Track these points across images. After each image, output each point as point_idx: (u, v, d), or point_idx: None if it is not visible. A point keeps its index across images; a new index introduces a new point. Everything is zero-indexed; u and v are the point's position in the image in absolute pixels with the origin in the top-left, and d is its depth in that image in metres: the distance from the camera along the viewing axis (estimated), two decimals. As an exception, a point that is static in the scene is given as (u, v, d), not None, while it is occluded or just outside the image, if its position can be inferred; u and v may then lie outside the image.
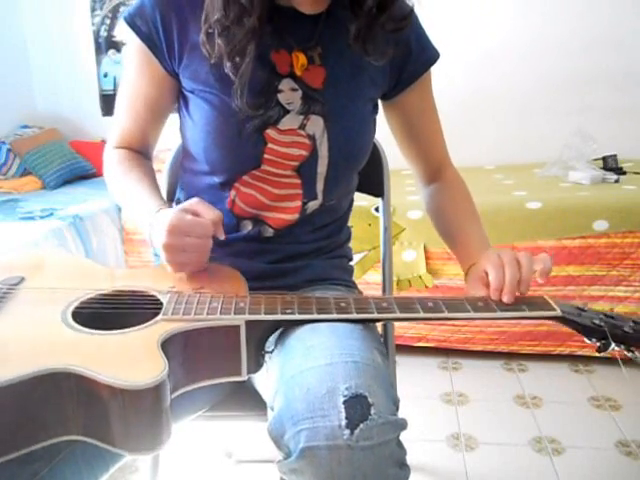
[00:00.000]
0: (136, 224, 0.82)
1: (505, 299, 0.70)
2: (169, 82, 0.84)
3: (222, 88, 0.79)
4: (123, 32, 3.18)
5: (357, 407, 0.56)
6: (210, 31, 0.75)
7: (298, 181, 0.84)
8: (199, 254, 0.72)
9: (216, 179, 0.85)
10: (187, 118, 0.85)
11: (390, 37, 0.81)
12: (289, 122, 0.81)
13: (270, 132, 0.81)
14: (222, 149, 0.81)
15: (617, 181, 2.17)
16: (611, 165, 2.33)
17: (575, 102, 2.74)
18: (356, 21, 0.77)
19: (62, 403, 0.56)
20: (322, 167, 0.84)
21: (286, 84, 0.80)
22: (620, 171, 2.29)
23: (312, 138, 0.82)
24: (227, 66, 0.76)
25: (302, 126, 0.82)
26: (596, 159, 2.34)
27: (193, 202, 0.73)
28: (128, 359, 0.59)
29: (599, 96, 2.71)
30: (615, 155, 2.36)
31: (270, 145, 0.81)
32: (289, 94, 0.81)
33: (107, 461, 0.69)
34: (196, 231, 0.70)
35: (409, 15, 0.81)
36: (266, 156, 0.81)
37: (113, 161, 0.89)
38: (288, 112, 0.81)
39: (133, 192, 0.84)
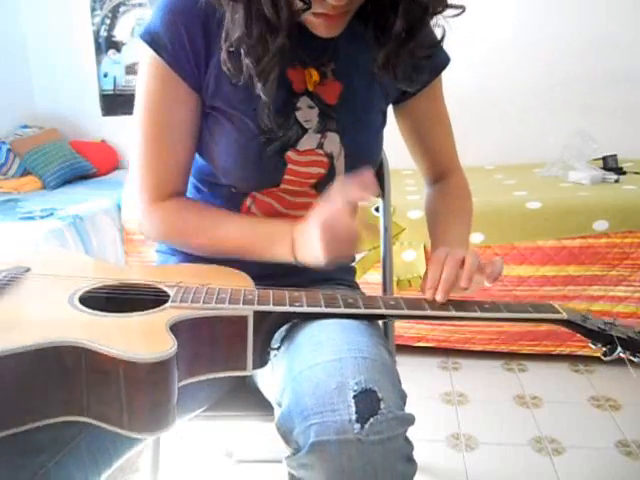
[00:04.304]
0: (262, 255, 0.79)
1: (438, 298, 0.69)
2: (197, 100, 0.78)
3: (245, 110, 0.77)
4: (124, 34, 3.18)
5: (367, 402, 0.56)
6: (231, 49, 0.71)
7: (314, 193, 0.84)
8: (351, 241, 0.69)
9: (232, 190, 0.84)
10: (205, 132, 0.81)
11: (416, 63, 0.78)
12: (307, 142, 0.81)
13: (290, 154, 0.80)
14: (244, 171, 0.80)
15: (617, 181, 2.17)
16: (611, 165, 2.33)
17: (575, 102, 2.74)
18: (384, 47, 0.74)
19: (66, 379, 0.56)
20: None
21: (304, 102, 0.80)
22: (620, 171, 2.29)
23: (330, 156, 0.82)
24: (259, 87, 0.72)
25: (320, 145, 0.81)
26: (596, 159, 2.34)
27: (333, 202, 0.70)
28: (136, 336, 0.59)
29: (599, 96, 2.71)
30: (615, 155, 2.35)
31: (290, 166, 0.81)
32: (307, 112, 0.80)
33: (111, 456, 0.69)
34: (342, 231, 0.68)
35: (439, 43, 0.79)
36: (286, 177, 0.81)
37: (171, 216, 0.82)
38: (306, 131, 0.80)
39: (236, 233, 0.80)
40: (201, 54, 0.75)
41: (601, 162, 2.34)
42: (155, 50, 0.75)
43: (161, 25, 0.74)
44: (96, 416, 0.57)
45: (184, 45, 0.74)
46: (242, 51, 0.70)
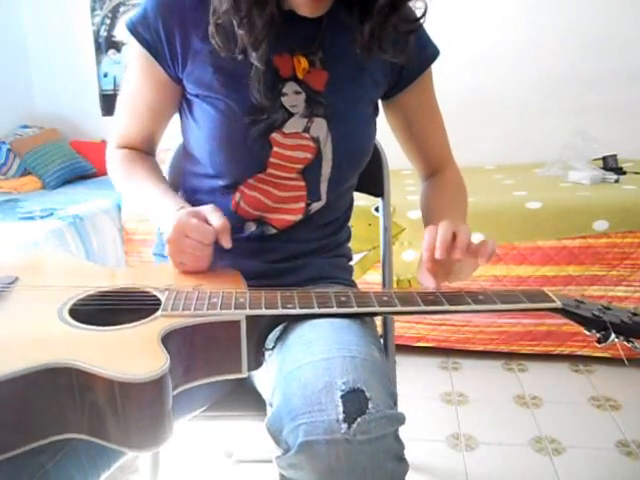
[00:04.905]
0: (152, 219, 0.85)
1: (437, 254, 0.68)
2: (172, 86, 0.84)
3: (228, 93, 0.79)
4: (124, 33, 3.18)
5: (354, 401, 0.56)
6: (219, 22, 0.74)
7: (302, 183, 0.84)
8: (196, 257, 0.74)
9: (220, 182, 0.85)
10: (191, 121, 0.85)
11: (398, 38, 0.80)
12: (293, 125, 0.81)
13: (275, 136, 0.81)
14: (228, 154, 0.81)
15: (617, 181, 2.17)
16: (611, 165, 2.33)
17: (575, 102, 2.74)
18: (368, 22, 0.75)
19: (61, 400, 0.56)
20: (326, 169, 0.84)
21: (290, 87, 0.80)
22: (620, 171, 2.29)
23: (316, 141, 0.82)
24: (253, 56, 0.75)
25: (306, 129, 0.82)
26: (596, 159, 2.34)
27: (206, 208, 0.75)
28: (128, 354, 0.58)
29: (599, 96, 2.71)
30: (615, 155, 2.35)
31: (276, 149, 0.81)
32: (293, 97, 0.81)
33: (110, 457, 0.69)
34: (195, 235, 0.72)
35: (422, 17, 0.80)
36: (271, 160, 0.82)
37: (118, 160, 0.90)
38: (292, 115, 0.81)
39: (146, 189, 0.85)
40: (177, 44, 0.80)
41: (601, 162, 2.34)
42: (135, 38, 0.81)
43: (142, 16, 0.80)
44: (92, 434, 0.57)
45: (160, 36, 0.80)
46: (234, 23, 0.73)
